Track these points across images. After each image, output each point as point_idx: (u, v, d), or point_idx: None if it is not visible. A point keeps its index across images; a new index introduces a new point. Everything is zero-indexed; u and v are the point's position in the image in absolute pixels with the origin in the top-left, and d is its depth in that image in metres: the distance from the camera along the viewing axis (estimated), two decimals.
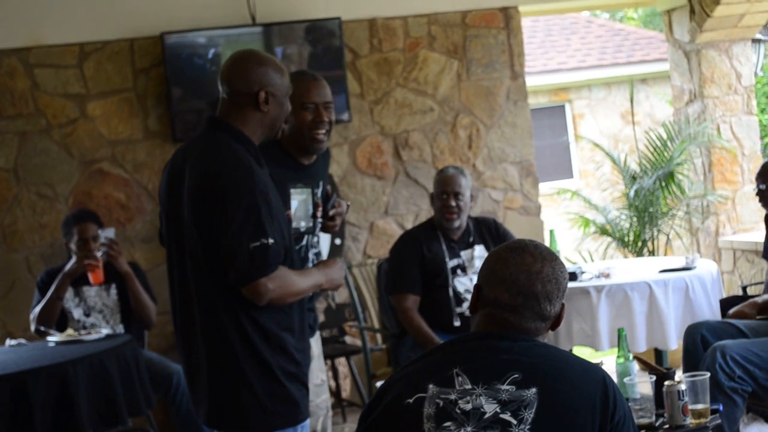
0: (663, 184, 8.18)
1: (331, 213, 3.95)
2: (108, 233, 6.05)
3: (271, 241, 3.26)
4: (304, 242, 3.87)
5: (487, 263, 2.69)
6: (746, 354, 4.54)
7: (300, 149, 4.00)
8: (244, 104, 3.44)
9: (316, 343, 4.13)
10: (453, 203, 5.68)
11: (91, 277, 5.93)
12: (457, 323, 5.63)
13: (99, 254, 5.97)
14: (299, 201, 3.71)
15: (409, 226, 7.32)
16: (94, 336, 5.52)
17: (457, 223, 5.72)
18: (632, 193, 8.24)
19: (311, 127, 3.95)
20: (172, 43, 6.97)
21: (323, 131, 3.97)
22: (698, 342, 4.92)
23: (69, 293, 6.05)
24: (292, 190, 3.69)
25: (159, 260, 6.85)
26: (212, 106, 6.80)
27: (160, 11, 7.07)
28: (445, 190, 5.71)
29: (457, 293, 5.65)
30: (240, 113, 3.44)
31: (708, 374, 3.76)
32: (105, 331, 5.72)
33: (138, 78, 7.10)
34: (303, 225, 3.72)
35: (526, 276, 2.60)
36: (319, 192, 3.88)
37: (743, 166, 8.13)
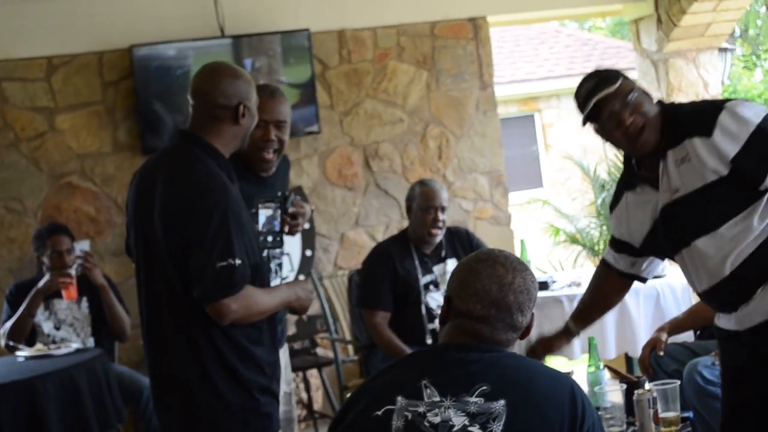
0: None
1: (290, 210, 3.87)
2: (83, 246, 6.03)
3: (237, 261, 3.24)
4: (265, 253, 3.84)
5: (457, 274, 2.68)
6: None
7: (251, 164, 3.94)
8: (221, 117, 3.41)
9: (283, 355, 4.12)
10: (441, 217, 5.64)
11: (64, 293, 5.90)
12: (429, 340, 5.61)
13: (74, 267, 5.94)
14: (266, 216, 3.69)
15: (379, 237, 7.31)
16: (63, 350, 5.49)
17: (439, 238, 5.70)
18: (599, 202, 8.29)
19: (259, 145, 3.86)
20: (141, 56, 6.95)
21: (270, 150, 3.88)
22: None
23: (39, 307, 6.01)
24: (260, 204, 3.68)
25: (129, 273, 6.81)
26: (182, 118, 6.79)
27: (128, 24, 7.05)
28: (432, 205, 5.62)
29: (429, 309, 5.63)
30: (215, 126, 3.42)
31: (678, 382, 3.78)
32: (75, 345, 5.69)
33: (107, 91, 7.07)
34: (270, 239, 3.70)
35: (499, 288, 2.60)
36: (278, 210, 3.85)
37: None
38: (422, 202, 5.65)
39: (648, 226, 3.53)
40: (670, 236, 3.46)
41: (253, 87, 3.49)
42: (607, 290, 3.85)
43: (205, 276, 3.23)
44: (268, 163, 3.91)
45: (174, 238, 3.29)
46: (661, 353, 4.77)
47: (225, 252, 3.23)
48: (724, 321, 3.46)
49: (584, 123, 3.48)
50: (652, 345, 4.84)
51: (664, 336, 4.84)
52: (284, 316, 4.05)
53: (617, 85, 3.40)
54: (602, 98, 3.40)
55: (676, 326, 4.96)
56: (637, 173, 3.54)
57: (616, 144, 3.47)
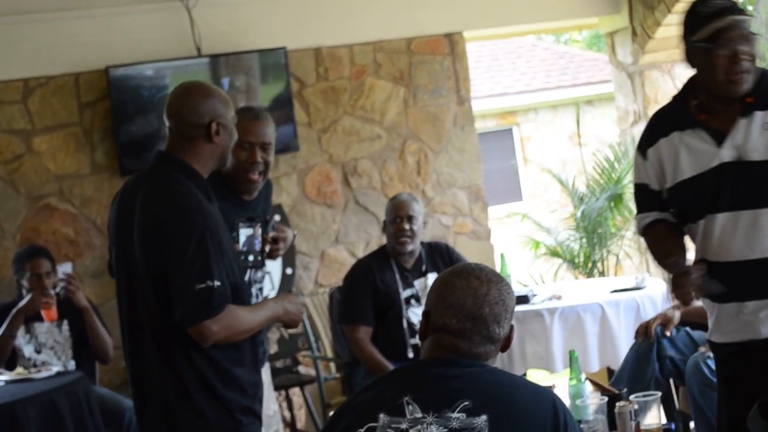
0: (611, 205, 8.25)
1: (271, 236, 3.88)
2: (65, 268, 6.01)
3: (217, 283, 3.23)
4: (246, 277, 3.84)
5: (434, 289, 2.69)
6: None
7: (237, 186, 3.95)
8: (195, 137, 3.41)
9: (266, 374, 4.11)
10: (407, 227, 5.66)
11: (44, 314, 5.87)
12: (411, 354, 5.62)
13: (57, 289, 5.91)
14: (246, 235, 3.69)
15: (360, 253, 7.31)
16: (44, 374, 5.46)
17: (410, 247, 5.70)
18: (579, 214, 8.31)
19: (244, 167, 3.89)
20: (118, 77, 6.94)
21: (257, 173, 3.91)
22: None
23: (20, 330, 5.98)
24: (240, 224, 3.68)
25: (109, 294, 6.79)
26: (160, 138, 6.78)
27: (104, 45, 7.04)
28: (398, 215, 5.68)
29: (410, 324, 5.64)
30: (191, 146, 3.41)
31: (659, 393, 3.78)
32: (55, 368, 5.66)
33: (84, 112, 7.06)
34: (251, 258, 3.70)
35: (473, 300, 2.60)
36: (259, 230, 3.85)
37: None
38: (391, 213, 5.73)
39: (689, 173, 3.36)
40: (720, 194, 3.29)
41: (228, 104, 3.49)
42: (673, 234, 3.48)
43: (185, 298, 3.22)
44: (254, 184, 3.93)
45: (153, 260, 3.28)
46: (668, 333, 4.75)
47: (204, 274, 3.22)
48: (727, 331, 3.39)
49: (693, 35, 3.28)
50: (662, 320, 4.82)
51: (677, 315, 4.80)
52: (265, 335, 4.04)
53: (750, 16, 3.24)
54: (735, 21, 3.23)
55: (684, 313, 4.93)
56: (695, 117, 3.38)
57: (712, 74, 3.28)
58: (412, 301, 5.69)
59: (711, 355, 4.34)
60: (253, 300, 3.91)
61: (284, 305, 3.58)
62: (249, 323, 3.39)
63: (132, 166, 6.85)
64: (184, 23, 7.04)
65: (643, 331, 4.88)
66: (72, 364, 6.02)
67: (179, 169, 3.38)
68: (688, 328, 5.12)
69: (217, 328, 3.25)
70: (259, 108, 4.07)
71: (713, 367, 4.35)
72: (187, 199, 3.30)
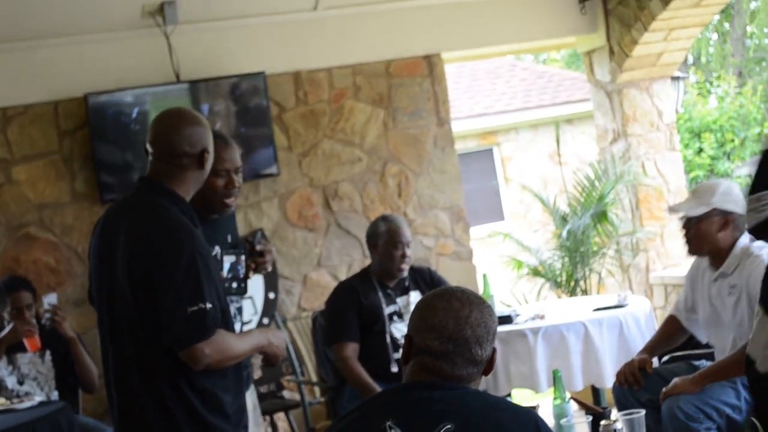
0: (592, 223, 8.26)
1: (258, 248, 3.90)
2: (50, 299, 5.97)
3: (209, 305, 3.23)
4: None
5: (416, 312, 2.69)
6: (701, 406, 4.56)
7: (205, 209, 3.92)
8: (184, 165, 3.41)
9: (251, 397, 4.11)
10: (408, 252, 5.72)
11: (27, 344, 5.84)
12: (394, 369, 5.63)
13: (43, 321, 5.88)
14: (230, 262, 3.70)
15: (342, 276, 7.30)
16: (27, 404, 5.43)
17: (406, 273, 5.76)
18: (564, 233, 8.32)
19: (223, 194, 3.88)
20: (97, 104, 6.93)
21: (233, 197, 3.92)
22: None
23: (2, 361, 5.95)
24: (224, 252, 3.70)
25: (92, 324, 6.73)
26: (141, 165, 6.77)
27: (83, 72, 7.03)
28: (398, 240, 5.69)
29: (394, 339, 5.66)
30: (179, 174, 3.41)
31: (643, 411, 3.78)
32: (38, 398, 5.63)
33: (63, 140, 7.05)
34: (235, 285, 3.71)
35: (455, 322, 2.60)
36: (242, 256, 3.84)
37: (670, 201, 8.24)
38: (389, 238, 5.71)
39: None
40: None
41: (210, 132, 3.51)
42: None
43: (177, 321, 3.21)
44: (231, 207, 3.95)
45: (140, 286, 3.27)
46: (650, 371, 4.80)
47: (195, 296, 3.22)
48: None
49: None
50: (640, 364, 4.85)
51: (649, 358, 4.87)
52: (250, 360, 4.03)
53: None
54: None
55: (651, 350, 4.99)
56: None
57: None
58: (395, 318, 5.71)
59: (684, 397, 4.42)
60: (236, 323, 3.91)
61: (269, 337, 3.58)
62: (238, 349, 3.39)
63: (112, 193, 6.85)
64: (162, 49, 7.04)
65: (635, 381, 4.91)
66: (55, 395, 5.99)
67: (163, 194, 3.38)
68: (664, 359, 5.18)
69: (209, 350, 3.25)
70: (224, 134, 4.08)
71: (688, 410, 4.41)
72: (175, 223, 3.30)
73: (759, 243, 4.52)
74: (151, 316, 3.26)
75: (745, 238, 4.57)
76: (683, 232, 4.71)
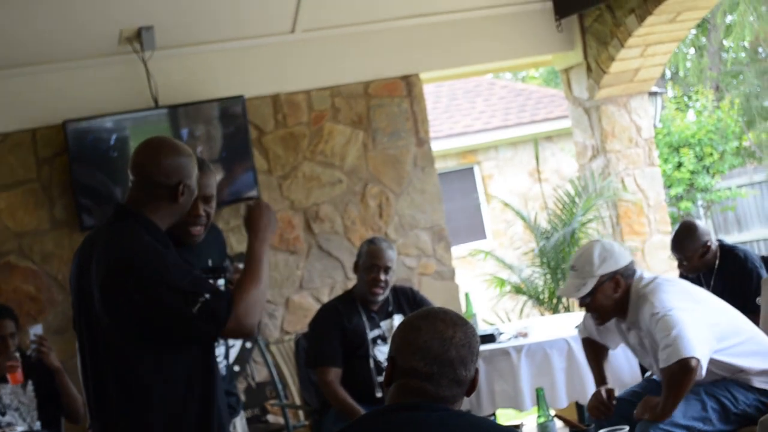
0: (573, 239, 8.28)
1: (228, 277, 3.85)
2: (36, 330, 5.93)
3: (207, 296, 3.22)
4: None
5: (399, 333, 2.68)
6: (671, 429, 4.55)
7: (172, 237, 3.82)
8: (161, 196, 3.38)
9: (240, 422, 4.09)
10: (382, 277, 5.64)
11: (9, 378, 5.79)
12: (379, 394, 5.60)
13: (29, 352, 5.84)
14: None
15: (324, 299, 7.29)
16: None
17: (381, 298, 5.69)
18: (537, 250, 8.34)
19: (186, 220, 3.68)
20: (75, 131, 6.92)
21: (198, 226, 3.74)
22: None
23: None
24: (203, 276, 3.67)
25: (74, 352, 6.72)
26: (120, 191, 6.75)
27: (61, 99, 7.02)
28: (376, 263, 5.63)
29: (377, 363, 5.64)
30: (154, 203, 3.39)
31: (627, 427, 3.78)
32: (20, 429, 5.59)
33: (42, 168, 7.03)
34: None
35: (440, 343, 2.60)
36: (220, 280, 3.82)
37: (649, 216, 8.27)
38: (366, 260, 5.67)
39: None
40: None
41: (194, 163, 3.46)
42: None
43: (193, 328, 3.21)
44: (194, 237, 3.78)
45: (119, 309, 3.25)
46: (614, 402, 4.76)
47: (189, 296, 3.21)
48: None
49: None
50: (609, 394, 4.81)
51: (609, 387, 4.84)
52: (236, 387, 4.02)
53: None
54: None
55: (604, 379, 4.93)
56: None
57: None
58: (379, 341, 5.68)
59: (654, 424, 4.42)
60: (221, 348, 3.88)
61: (266, 234, 3.55)
62: (258, 282, 3.40)
63: (92, 220, 6.82)
64: (140, 75, 7.03)
65: (605, 410, 4.89)
66: (38, 425, 5.95)
67: (138, 222, 3.37)
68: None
69: (236, 321, 3.26)
70: (201, 158, 3.98)
71: (665, 427, 4.40)
72: (144, 242, 3.29)
73: (642, 278, 4.55)
74: (134, 338, 3.25)
75: (631, 282, 4.56)
76: (583, 308, 4.71)
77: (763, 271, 5.78)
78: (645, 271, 4.64)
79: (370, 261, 5.64)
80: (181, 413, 3.34)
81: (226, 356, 3.95)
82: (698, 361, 4.20)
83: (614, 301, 4.51)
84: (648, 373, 5.19)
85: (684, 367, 4.19)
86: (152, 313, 3.22)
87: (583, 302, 4.57)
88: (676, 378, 4.25)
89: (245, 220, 3.58)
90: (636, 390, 4.90)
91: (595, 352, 4.95)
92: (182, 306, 3.20)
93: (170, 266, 3.26)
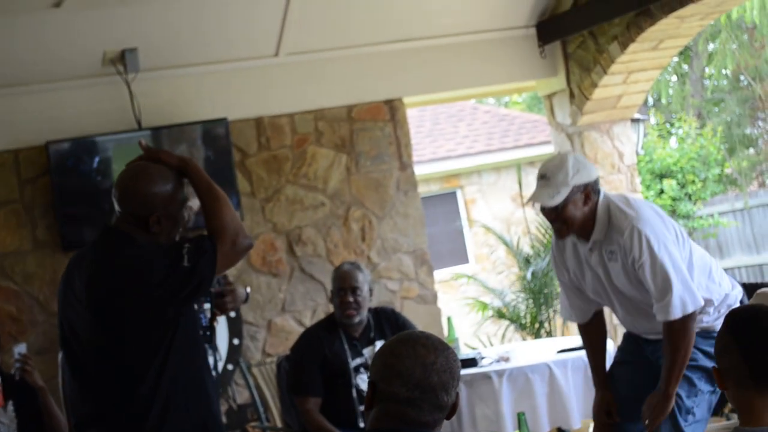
0: None
1: (212, 290, 3.85)
2: (20, 349, 5.90)
3: (186, 245, 3.27)
4: None
5: (380, 358, 2.68)
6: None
7: None
8: (137, 225, 3.39)
9: None
10: (351, 299, 5.63)
11: None
12: (361, 423, 5.59)
13: (12, 371, 5.81)
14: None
15: (307, 321, 7.29)
16: None
17: (357, 319, 5.68)
18: (528, 275, 8.35)
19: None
20: (58, 152, 6.91)
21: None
22: None
23: None
24: None
25: (54, 372, 6.70)
26: (102, 212, 6.74)
27: (43, 120, 7.01)
28: (342, 286, 5.65)
29: (360, 392, 5.62)
30: (134, 230, 3.40)
31: None
32: None
33: (24, 189, 7.01)
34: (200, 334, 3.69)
35: (422, 369, 2.60)
36: (205, 305, 3.83)
37: None
38: (335, 284, 5.72)
39: None
40: None
41: (175, 187, 3.44)
42: None
43: (195, 275, 3.24)
44: None
45: (113, 315, 3.26)
46: (618, 419, 4.70)
47: (174, 252, 3.26)
48: None
49: None
50: (608, 404, 4.74)
51: (609, 394, 4.76)
52: (219, 408, 4.02)
53: None
54: None
55: (601, 373, 4.84)
56: None
57: None
58: (361, 369, 5.67)
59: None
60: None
61: (189, 161, 3.51)
62: (227, 204, 3.41)
63: (74, 240, 6.80)
64: (123, 97, 7.03)
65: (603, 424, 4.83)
66: None
67: (125, 242, 3.37)
68: None
69: (231, 248, 3.30)
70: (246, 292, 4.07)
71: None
72: (132, 254, 3.31)
73: (614, 198, 4.47)
74: (125, 344, 3.26)
75: (602, 198, 4.45)
76: (549, 219, 4.56)
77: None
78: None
79: (338, 285, 5.68)
80: (177, 403, 3.33)
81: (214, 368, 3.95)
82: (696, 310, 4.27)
83: (583, 214, 4.40)
84: (625, 331, 4.99)
85: (686, 321, 4.26)
86: (156, 302, 3.22)
87: (553, 214, 4.44)
88: (678, 336, 4.27)
89: None
90: (625, 360, 4.79)
91: (590, 336, 4.84)
92: (173, 265, 3.23)
93: (156, 263, 3.29)
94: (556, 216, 4.43)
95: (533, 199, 4.50)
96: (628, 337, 4.82)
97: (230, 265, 3.34)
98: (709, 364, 4.37)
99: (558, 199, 4.37)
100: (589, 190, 4.41)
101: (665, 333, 4.34)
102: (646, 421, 4.44)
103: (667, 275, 4.24)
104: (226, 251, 3.28)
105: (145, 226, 3.38)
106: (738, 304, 4.44)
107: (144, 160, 3.45)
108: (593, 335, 4.84)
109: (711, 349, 4.23)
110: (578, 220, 4.41)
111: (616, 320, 5.03)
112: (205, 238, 3.29)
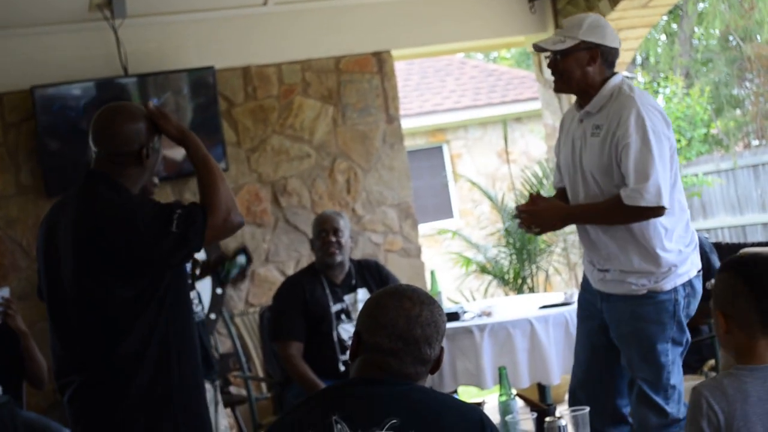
0: None
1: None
2: (3, 292, 5.89)
3: (178, 210, 3.25)
4: None
5: (365, 309, 2.70)
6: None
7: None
8: (126, 163, 3.38)
9: (210, 391, 4.13)
10: (333, 239, 5.71)
11: None
12: (342, 369, 5.64)
13: None
14: None
15: (290, 272, 7.29)
16: None
17: (339, 258, 5.73)
18: (504, 230, 8.36)
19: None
20: (43, 97, 6.87)
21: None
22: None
23: None
24: None
25: (36, 317, 6.70)
26: (86, 158, 6.71)
27: (29, 65, 6.96)
28: (324, 228, 5.75)
29: (341, 341, 5.66)
30: (121, 170, 3.39)
31: (587, 408, 3.80)
32: None
33: (8, 133, 6.98)
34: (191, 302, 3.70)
35: (406, 321, 2.62)
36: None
37: None
38: (316, 228, 5.82)
39: None
40: None
41: (147, 125, 3.43)
42: None
43: (180, 242, 3.23)
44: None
45: (99, 266, 3.25)
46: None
47: (164, 216, 3.25)
48: None
49: None
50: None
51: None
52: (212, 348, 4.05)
53: None
54: None
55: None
56: None
57: None
58: (342, 317, 5.71)
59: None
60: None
61: (188, 133, 3.49)
62: (223, 180, 3.40)
63: (58, 186, 6.77)
64: (110, 43, 6.99)
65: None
66: None
67: (109, 186, 3.36)
68: None
69: (222, 222, 3.31)
70: None
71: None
72: (118, 202, 3.30)
73: (632, 86, 4.28)
74: (111, 299, 3.26)
75: (617, 78, 4.30)
76: (550, 70, 4.38)
77: (714, 257, 5.81)
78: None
79: (319, 228, 5.78)
80: (168, 369, 3.33)
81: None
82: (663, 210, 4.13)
83: (583, 74, 4.23)
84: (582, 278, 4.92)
85: (644, 214, 4.13)
86: (139, 253, 3.22)
87: (554, 62, 4.29)
88: (623, 217, 4.16)
89: None
90: (584, 316, 4.62)
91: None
92: (160, 226, 3.22)
93: (140, 213, 3.28)
94: (555, 66, 4.29)
95: (538, 41, 4.35)
96: (584, 292, 4.61)
97: (217, 240, 3.36)
98: (668, 333, 4.27)
99: (560, 46, 4.24)
100: (597, 53, 4.24)
101: (614, 206, 4.19)
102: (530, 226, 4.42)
103: (650, 161, 4.08)
104: (217, 225, 3.27)
105: (136, 162, 3.38)
106: (693, 273, 4.32)
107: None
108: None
109: (662, 316, 4.23)
110: (576, 78, 4.26)
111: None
112: (198, 208, 3.28)
